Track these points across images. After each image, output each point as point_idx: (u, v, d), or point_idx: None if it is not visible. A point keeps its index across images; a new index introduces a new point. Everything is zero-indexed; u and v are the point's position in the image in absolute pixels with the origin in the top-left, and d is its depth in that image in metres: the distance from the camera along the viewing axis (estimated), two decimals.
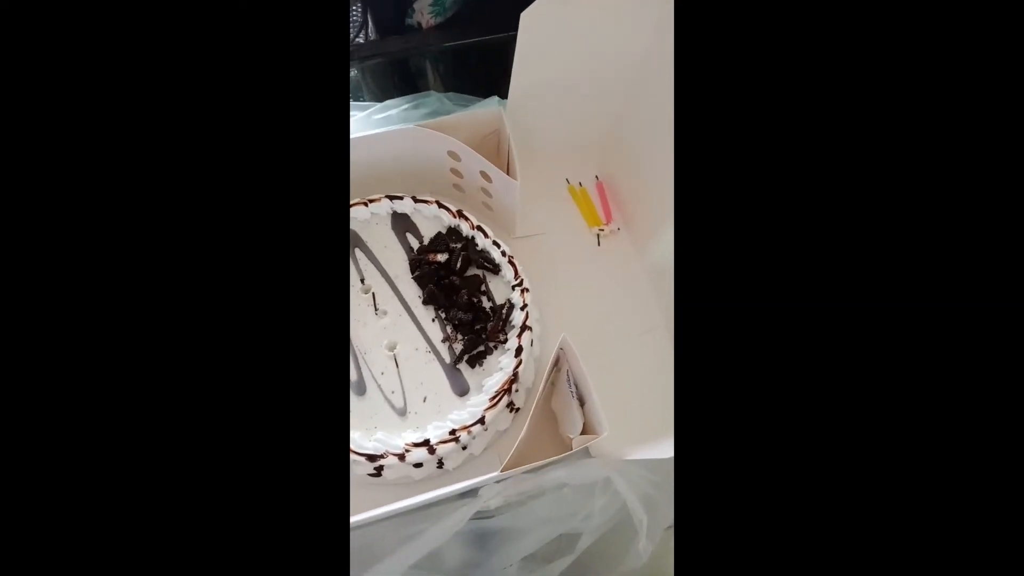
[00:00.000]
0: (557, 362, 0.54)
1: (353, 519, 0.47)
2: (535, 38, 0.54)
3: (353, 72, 0.84)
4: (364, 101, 0.71)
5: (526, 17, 0.51)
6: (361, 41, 0.86)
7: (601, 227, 0.69)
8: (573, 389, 0.53)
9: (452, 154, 0.60)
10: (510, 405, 0.57)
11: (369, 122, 0.67)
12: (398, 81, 0.87)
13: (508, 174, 0.58)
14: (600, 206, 0.70)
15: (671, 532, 0.56)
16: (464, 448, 0.56)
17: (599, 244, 0.68)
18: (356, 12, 0.90)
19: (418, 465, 0.53)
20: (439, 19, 0.82)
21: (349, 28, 0.83)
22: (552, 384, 0.57)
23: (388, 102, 0.68)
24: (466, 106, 0.66)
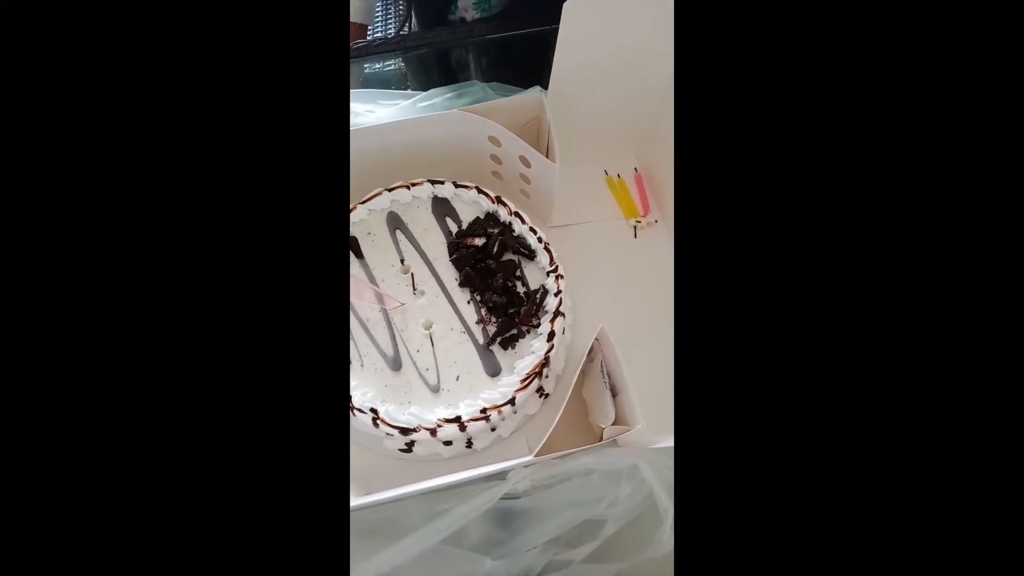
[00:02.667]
0: (591, 351, 0.55)
1: (385, 494, 0.48)
2: (577, 29, 0.54)
3: (398, 63, 0.86)
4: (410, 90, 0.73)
5: (568, 8, 0.52)
6: (405, 33, 0.88)
7: (638, 219, 0.69)
8: (606, 379, 0.53)
9: (493, 139, 0.61)
10: (539, 390, 0.58)
11: (414, 110, 0.69)
12: (440, 73, 0.89)
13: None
14: (638, 198, 0.71)
15: None
16: (493, 430, 0.57)
17: (635, 236, 0.69)
18: (401, 5, 0.92)
19: (448, 443, 0.55)
20: (483, 15, 0.83)
21: (348, 24, 0.84)
22: (584, 373, 0.57)
23: (432, 91, 0.69)
24: (508, 95, 0.68)
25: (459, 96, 0.69)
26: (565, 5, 0.52)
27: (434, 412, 0.52)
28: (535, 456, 0.47)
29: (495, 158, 0.64)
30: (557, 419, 0.49)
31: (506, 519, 0.54)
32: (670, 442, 0.51)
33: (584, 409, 0.59)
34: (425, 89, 0.71)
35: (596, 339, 0.51)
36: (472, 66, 0.89)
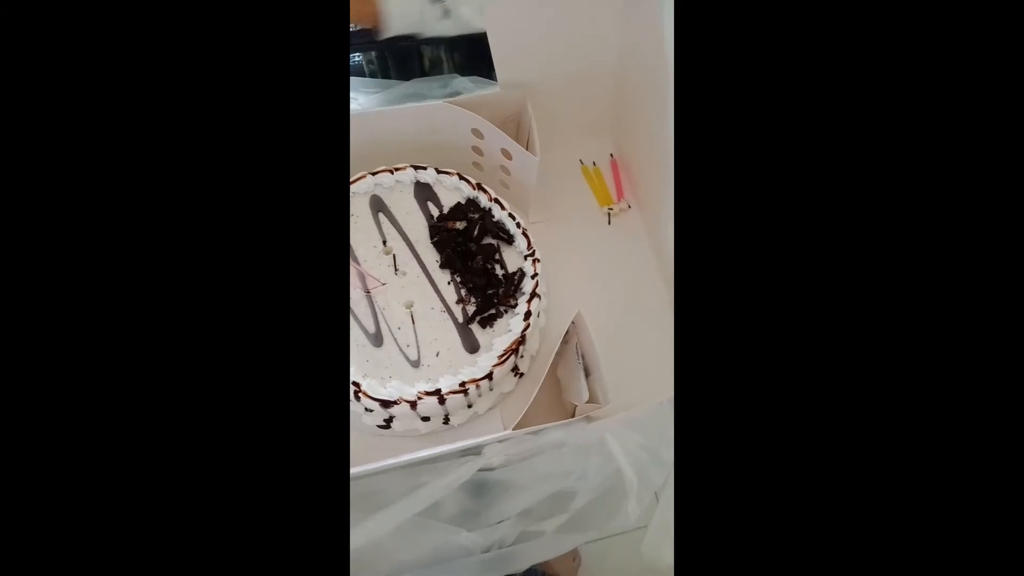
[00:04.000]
0: (568, 334, 0.58)
1: (365, 467, 0.50)
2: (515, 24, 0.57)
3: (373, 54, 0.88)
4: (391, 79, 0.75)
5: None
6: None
7: (611, 206, 0.72)
8: (580, 360, 0.56)
9: (476, 131, 0.64)
10: (515, 369, 0.61)
11: (394, 97, 0.71)
12: (417, 65, 0.91)
13: None
14: (613, 184, 0.74)
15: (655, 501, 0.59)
16: (470, 406, 0.59)
17: (609, 223, 0.72)
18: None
19: (426, 419, 0.57)
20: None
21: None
22: (559, 354, 0.60)
23: (414, 81, 0.71)
24: (487, 89, 0.70)
25: (442, 87, 0.71)
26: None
27: (414, 386, 0.54)
28: (513, 428, 0.50)
29: (476, 149, 0.67)
30: (534, 395, 0.52)
31: (480, 491, 0.56)
32: (645, 424, 0.54)
33: (557, 387, 0.62)
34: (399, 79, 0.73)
35: (572, 322, 0.54)
36: (444, 62, 0.91)
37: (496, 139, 0.63)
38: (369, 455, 0.59)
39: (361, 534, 0.49)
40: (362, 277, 0.58)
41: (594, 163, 0.75)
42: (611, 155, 0.75)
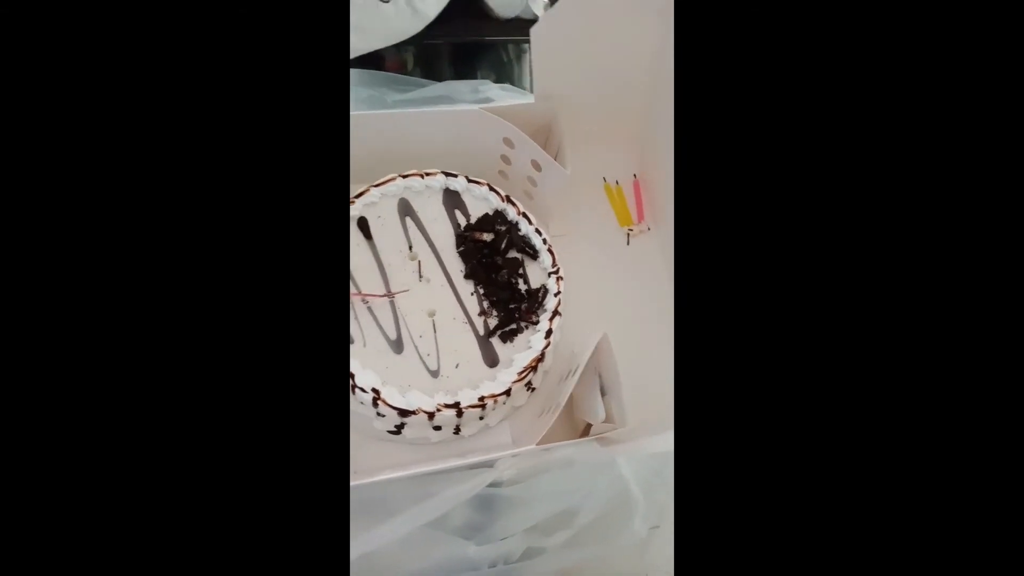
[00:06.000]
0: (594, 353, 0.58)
1: (376, 478, 0.50)
2: (560, 30, 0.57)
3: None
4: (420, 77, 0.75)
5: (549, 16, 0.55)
6: None
7: (631, 226, 0.72)
8: (597, 378, 0.57)
9: (507, 141, 0.63)
10: (528, 384, 0.61)
11: (426, 98, 0.71)
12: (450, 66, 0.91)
13: None
14: (634, 204, 0.74)
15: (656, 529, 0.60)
16: (481, 418, 0.59)
17: (628, 243, 0.72)
18: None
19: (437, 428, 0.57)
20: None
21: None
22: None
23: (447, 83, 0.71)
24: (520, 98, 0.70)
25: (472, 92, 0.71)
26: (547, 12, 0.55)
27: (433, 397, 0.54)
28: (537, 443, 0.50)
29: (504, 158, 0.66)
30: (556, 416, 0.52)
31: (488, 505, 0.56)
32: (657, 446, 0.54)
33: (570, 404, 0.62)
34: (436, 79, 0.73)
35: (599, 343, 0.54)
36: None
37: (527, 150, 0.63)
38: (378, 460, 0.59)
39: (369, 541, 0.49)
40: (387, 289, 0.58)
41: (617, 182, 0.75)
42: (634, 175, 0.75)
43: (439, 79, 0.74)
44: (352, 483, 0.49)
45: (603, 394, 0.57)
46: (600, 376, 0.57)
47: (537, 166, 0.63)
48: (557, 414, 0.53)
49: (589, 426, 0.59)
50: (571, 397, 0.63)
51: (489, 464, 0.53)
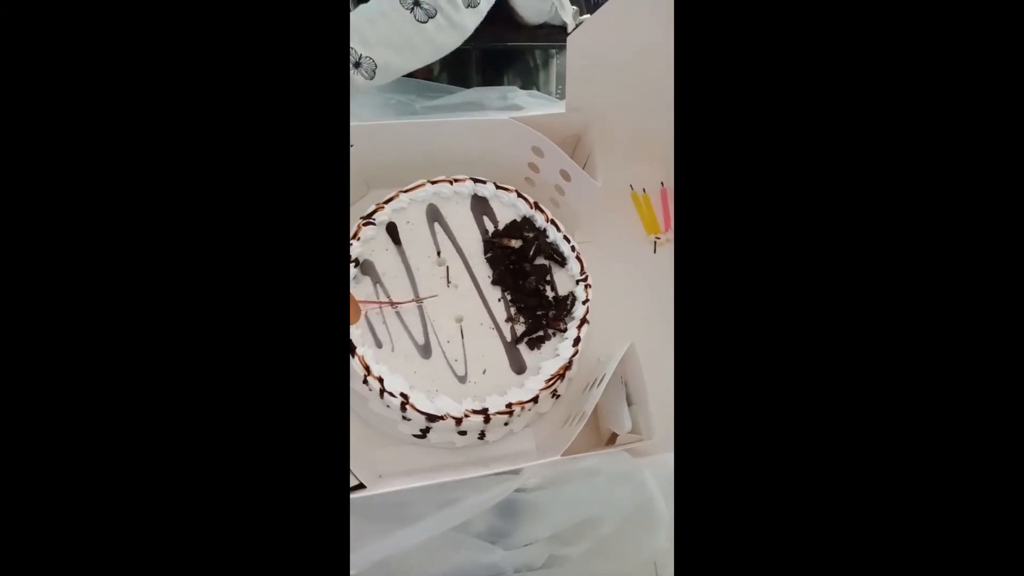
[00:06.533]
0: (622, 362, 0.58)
1: (405, 484, 0.50)
2: (593, 36, 0.58)
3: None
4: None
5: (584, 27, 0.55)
6: None
7: (658, 235, 0.72)
8: (623, 388, 0.56)
9: (536, 150, 0.64)
10: (554, 392, 0.61)
11: (454, 104, 0.71)
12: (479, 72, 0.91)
13: None
14: (661, 213, 0.74)
15: None
16: (506, 424, 0.60)
17: (655, 251, 0.72)
18: None
19: (463, 433, 0.57)
20: None
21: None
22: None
23: (476, 89, 0.71)
24: (549, 106, 0.70)
25: (501, 99, 0.71)
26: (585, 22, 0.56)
27: (461, 403, 0.54)
28: (563, 454, 0.50)
29: (532, 166, 0.67)
30: (582, 426, 0.52)
31: (511, 512, 0.56)
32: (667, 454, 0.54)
33: (595, 413, 0.62)
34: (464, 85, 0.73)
35: (626, 352, 0.54)
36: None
37: (557, 159, 0.63)
38: (402, 463, 0.60)
39: (393, 544, 0.50)
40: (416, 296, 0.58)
41: (644, 189, 0.75)
42: (661, 183, 0.75)
43: (466, 85, 0.75)
44: (375, 491, 0.49)
45: (629, 404, 0.57)
46: (627, 386, 0.57)
47: (566, 175, 0.64)
48: (584, 423, 0.53)
49: (615, 436, 0.59)
50: (596, 406, 0.63)
51: (515, 472, 0.53)
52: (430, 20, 0.64)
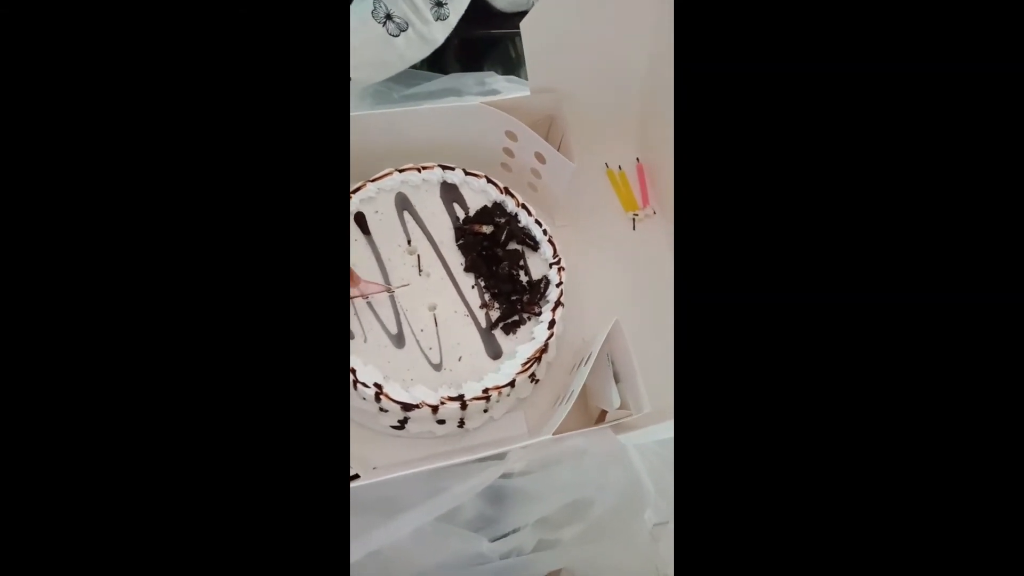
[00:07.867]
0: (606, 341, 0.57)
1: (391, 474, 0.50)
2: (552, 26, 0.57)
3: None
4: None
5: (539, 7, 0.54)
6: None
7: (636, 212, 0.71)
8: (610, 365, 0.56)
9: (509, 134, 0.63)
10: (532, 376, 0.60)
11: (432, 91, 0.71)
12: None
13: None
14: (638, 189, 0.73)
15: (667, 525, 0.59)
16: (486, 411, 0.59)
17: (634, 228, 0.71)
18: None
19: (441, 422, 0.57)
20: None
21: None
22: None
23: (453, 76, 0.71)
24: (524, 88, 0.69)
25: (478, 84, 0.70)
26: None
27: (437, 391, 0.54)
28: (554, 433, 0.49)
29: (508, 151, 0.66)
30: (568, 408, 0.51)
31: (499, 498, 0.56)
32: (664, 432, 0.54)
33: (584, 392, 0.61)
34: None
35: (611, 329, 0.54)
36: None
37: (531, 143, 0.62)
38: (383, 455, 0.59)
39: (381, 537, 0.49)
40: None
41: (620, 167, 0.74)
42: (637, 159, 0.74)
43: (446, 74, 0.74)
44: (363, 481, 0.49)
45: (617, 381, 0.56)
46: (613, 363, 0.56)
47: (541, 158, 0.63)
48: (572, 403, 0.52)
49: (604, 414, 0.58)
50: (585, 386, 0.62)
51: (500, 456, 0.53)
52: (401, 34, 0.64)
